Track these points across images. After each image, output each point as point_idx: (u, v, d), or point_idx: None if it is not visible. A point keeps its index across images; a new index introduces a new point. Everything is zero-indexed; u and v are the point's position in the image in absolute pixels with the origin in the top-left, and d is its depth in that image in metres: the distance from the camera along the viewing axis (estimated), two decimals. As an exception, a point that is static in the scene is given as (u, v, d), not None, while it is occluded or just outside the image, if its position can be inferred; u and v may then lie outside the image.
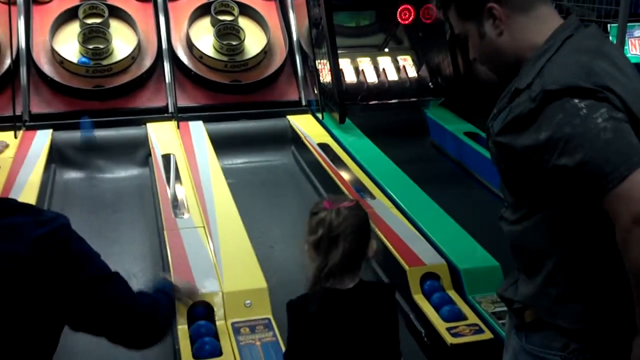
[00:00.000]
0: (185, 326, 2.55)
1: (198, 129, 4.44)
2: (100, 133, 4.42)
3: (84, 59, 4.60)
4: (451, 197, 3.82)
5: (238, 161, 4.46)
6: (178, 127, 4.40)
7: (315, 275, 1.79)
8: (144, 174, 4.26)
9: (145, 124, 4.48)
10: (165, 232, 3.13)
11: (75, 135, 4.36)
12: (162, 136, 4.32)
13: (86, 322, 1.46)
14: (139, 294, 1.55)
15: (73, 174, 4.24)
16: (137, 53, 4.72)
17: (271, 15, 5.13)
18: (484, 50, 1.63)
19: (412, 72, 5.00)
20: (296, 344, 1.82)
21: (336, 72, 4.48)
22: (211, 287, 2.68)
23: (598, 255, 1.49)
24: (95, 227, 3.62)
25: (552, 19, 1.58)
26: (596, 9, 3.45)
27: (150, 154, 4.25)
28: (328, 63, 4.59)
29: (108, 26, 4.74)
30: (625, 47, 3.32)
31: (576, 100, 1.40)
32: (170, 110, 4.58)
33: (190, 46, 4.85)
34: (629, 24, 3.27)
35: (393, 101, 4.85)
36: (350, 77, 4.86)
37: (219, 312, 2.62)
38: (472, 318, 2.66)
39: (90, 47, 4.62)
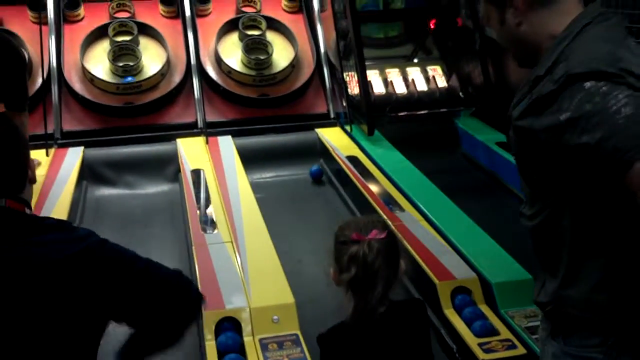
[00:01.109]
0: (213, 342, 2.54)
1: (227, 144, 4.45)
2: (131, 149, 4.45)
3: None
4: (483, 208, 3.76)
5: (266, 175, 4.45)
6: (207, 142, 4.41)
7: (354, 316, 1.75)
8: (174, 189, 4.27)
9: (175, 140, 4.50)
10: (193, 248, 3.13)
11: (106, 152, 4.40)
12: (191, 151, 4.34)
13: (135, 312, 1.56)
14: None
15: (104, 191, 4.28)
16: (167, 69, 4.76)
17: (299, 29, 5.14)
18: (505, 37, 1.65)
19: (441, 82, 4.95)
20: None
21: (364, 84, 4.45)
22: (239, 302, 2.67)
23: (614, 246, 1.46)
24: (126, 243, 3.56)
25: (576, 11, 1.55)
26: (630, 15, 3.37)
27: (179, 170, 4.27)
28: (356, 75, 4.56)
29: (137, 43, 4.79)
30: None
31: (599, 82, 1.38)
32: (199, 126, 4.60)
33: (218, 61, 4.88)
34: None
35: (422, 112, 4.79)
36: (378, 88, 4.83)
37: (246, 328, 2.59)
38: (505, 333, 2.59)
39: (120, 64, 4.68)
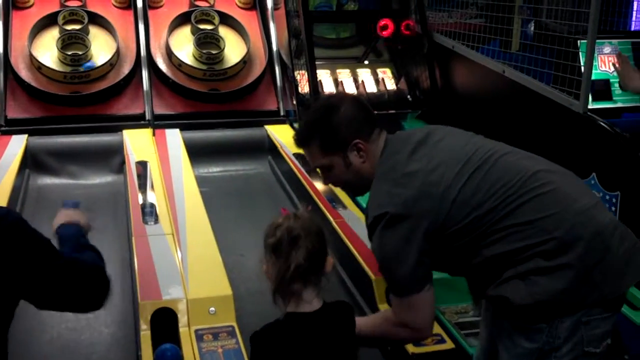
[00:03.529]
0: (149, 332, 2.54)
1: (174, 137, 4.44)
2: (75, 139, 4.41)
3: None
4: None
5: (214, 170, 4.46)
6: (154, 134, 4.39)
7: (277, 279, 1.80)
8: (118, 180, 4.25)
9: (121, 131, 4.47)
10: (133, 238, 3.12)
11: (50, 141, 4.35)
12: (137, 143, 4.31)
13: (48, 297, 1.73)
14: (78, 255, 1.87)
15: (47, 180, 4.23)
16: (116, 60, 4.73)
17: (252, 25, 5.16)
18: (349, 177, 2.06)
19: (390, 85, 5.02)
20: None
21: (314, 82, 4.50)
22: (176, 293, 2.68)
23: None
24: (67, 233, 3.60)
25: (382, 143, 2.04)
26: (566, 26, 3.50)
27: (124, 161, 4.25)
28: (306, 74, 4.61)
29: (87, 32, 4.74)
30: (595, 64, 3.36)
31: (381, 228, 1.89)
32: (147, 118, 4.58)
33: (169, 54, 4.86)
34: (598, 41, 3.32)
35: (371, 113, 4.86)
36: (329, 88, 4.87)
37: (182, 319, 2.61)
38: (435, 328, 2.65)
39: (69, 53, 4.62)
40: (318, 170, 2.15)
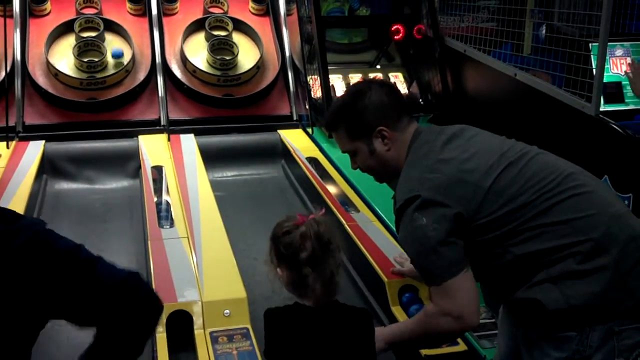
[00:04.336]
0: (164, 334, 2.58)
1: (189, 142, 4.49)
2: (92, 144, 4.47)
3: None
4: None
5: (228, 174, 4.50)
6: (169, 139, 4.45)
7: (318, 291, 1.78)
8: (134, 185, 4.30)
9: (137, 137, 4.53)
10: (149, 242, 3.17)
11: (67, 146, 4.41)
12: (152, 148, 4.37)
13: (88, 311, 1.48)
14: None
15: (64, 185, 4.29)
16: (131, 66, 4.79)
17: (265, 31, 5.20)
18: (373, 163, 2.06)
19: (402, 89, 5.05)
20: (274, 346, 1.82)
21: (326, 87, 4.54)
22: (191, 296, 2.72)
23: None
24: (84, 237, 3.63)
25: (413, 132, 2.02)
26: (578, 29, 3.51)
27: (140, 166, 4.31)
28: (319, 79, 4.64)
29: (103, 40, 4.81)
30: (607, 66, 3.36)
31: (411, 212, 1.85)
32: (162, 123, 4.64)
33: (184, 60, 4.92)
34: (610, 44, 3.33)
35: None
36: (341, 92, 4.91)
37: (198, 322, 2.65)
38: (448, 330, 2.68)
39: (85, 60, 4.69)
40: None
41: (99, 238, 3.69)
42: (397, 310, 2.82)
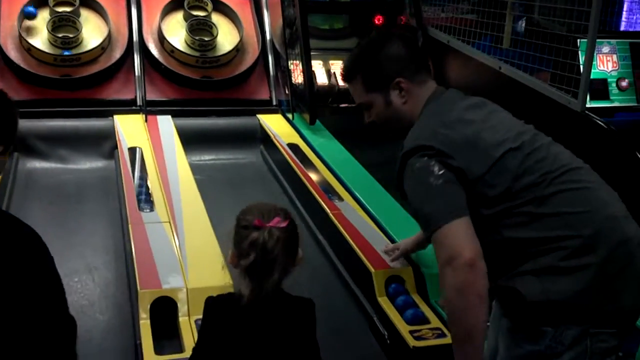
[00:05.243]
0: (148, 321, 2.52)
1: (166, 123, 4.39)
2: (65, 123, 4.33)
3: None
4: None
5: (205, 157, 4.42)
6: (146, 120, 4.34)
7: (249, 299, 1.72)
8: (109, 166, 4.19)
9: (112, 116, 4.42)
10: (130, 226, 3.09)
11: (40, 124, 4.27)
12: (128, 129, 4.26)
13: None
14: None
15: (36, 164, 4.15)
16: (107, 44, 4.66)
17: (245, 14, 5.11)
18: (388, 115, 2.00)
19: (383, 78, 5.02)
20: (206, 340, 1.80)
21: (309, 73, 4.48)
22: (175, 283, 2.66)
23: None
24: (57, 218, 3.56)
25: (432, 88, 2.00)
26: (566, 24, 3.52)
27: (116, 147, 4.20)
28: (300, 64, 4.58)
29: (78, 15, 4.65)
30: (593, 63, 3.39)
31: (418, 158, 1.80)
32: (138, 103, 4.53)
33: (161, 40, 4.80)
34: (597, 40, 3.35)
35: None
36: (321, 79, 4.87)
37: (182, 309, 2.59)
38: (435, 322, 2.68)
39: (60, 35, 4.54)
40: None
41: (73, 219, 3.59)
42: (384, 301, 2.80)
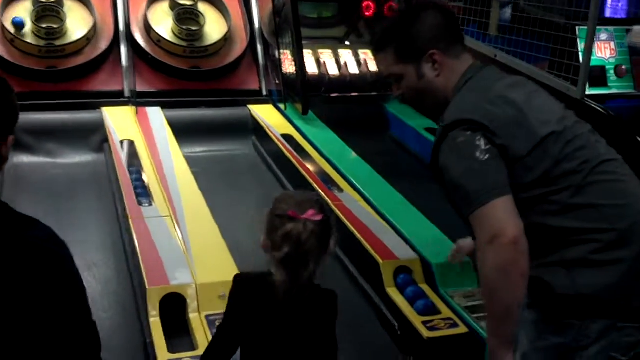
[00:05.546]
0: (158, 318, 2.47)
1: (156, 115, 4.31)
2: (52, 116, 4.23)
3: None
4: (414, 191, 3.82)
5: (197, 150, 4.35)
6: (137, 112, 4.25)
7: (284, 289, 1.70)
8: (98, 160, 4.11)
9: (100, 108, 4.32)
10: (130, 221, 3.02)
11: (26, 117, 4.14)
12: (118, 121, 4.17)
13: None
14: None
15: (24, 158, 4.04)
16: (93, 34, 4.54)
17: (233, 3, 5.02)
18: (420, 89, 1.89)
19: (372, 67, 4.99)
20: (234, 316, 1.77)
21: (301, 63, 4.42)
22: (184, 278, 2.61)
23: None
24: (51, 213, 3.44)
25: (469, 63, 1.90)
26: (564, 12, 3.53)
27: (106, 140, 4.11)
28: (291, 53, 4.53)
29: (62, 5, 4.53)
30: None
31: (460, 132, 1.72)
32: (126, 95, 4.43)
33: (147, 29, 4.70)
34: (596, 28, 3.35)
35: (354, 94, 4.83)
36: (311, 68, 4.81)
37: (192, 305, 2.54)
38: (446, 312, 2.68)
39: (44, 26, 4.42)
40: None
41: (66, 215, 3.50)
42: (393, 292, 2.79)
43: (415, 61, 1.87)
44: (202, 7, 4.89)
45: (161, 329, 2.43)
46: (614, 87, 3.58)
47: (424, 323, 2.59)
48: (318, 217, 1.69)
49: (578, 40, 3.38)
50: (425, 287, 2.82)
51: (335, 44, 5.11)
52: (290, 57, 4.57)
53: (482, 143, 1.70)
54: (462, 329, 2.56)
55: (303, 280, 1.70)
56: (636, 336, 1.75)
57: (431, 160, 1.86)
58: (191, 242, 2.87)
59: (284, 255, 1.67)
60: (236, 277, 1.81)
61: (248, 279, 1.79)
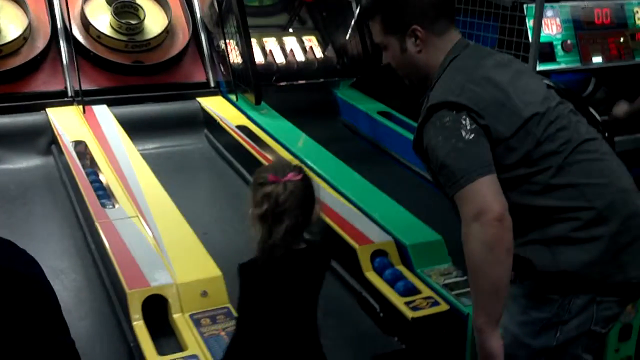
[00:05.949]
0: (142, 322, 2.41)
1: (104, 113, 4.17)
2: (-4, 120, 4.05)
3: None
4: (372, 175, 3.86)
5: (149, 147, 4.24)
6: (84, 111, 4.11)
7: (260, 248, 1.85)
8: (48, 163, 3.96)
9: (44, 110, 4.15)
10: (97, 225, 2.93)
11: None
12: (66, 122, 4.02)
13: None
14: None
15: (-33, 165, 3.86)
16: (29, 33, 4.35)
17: (170, -6, 4.91)
18: (403, 63, 1.93)
19: (318, 53, 5.00)
20: (248, 302, 1.90)
21: (249, 52, 4.37)
22: (163, 279, 2.55)
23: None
24: (4, 224, 3.32)
25: (455, 40, 1.92)
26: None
27: (53, 142, 3.96)
28: (238, 43, 4.47)
29: (-7, 4, 4.32)
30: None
31: (446, 113, 1.77)
32: (69, 94, 4.28)
33: (86, 25, 4.54)
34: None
35: (301, 82, 4.82)
36: (258, 57, 4.77)
37: (175, 305, 2.50)
38: (426, 291, 2.72)
39: (-26, 26, 4.20)
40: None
41: (23, 222, 3.38)
42: (372, 275, 2.82)
43: (399, 34, 1.89)
44: (140, 0, 4.76)
45: (146, 332, 2.38)
46: (562, 61, 3.70)
47: (407, 304, 2.63)
48: (298, 177, 1.83)
49: (526, 18, 3.47)
50: (402, 269, 2.86)
51: (278, 31, 5.07)
52: (236, 46, 4.51)
53: (467, 122, 1.75)
54: (443, 307, 2.62)
55: (276, 238, 1.80)
56: (614, 310, 1.83)
57: (415, 140, 1.91)
58: (164, 241, 2.81)
59: (263, 212, 1.80)
60: (240, 266, 1.89)
61: (249, 264, 1.88)
